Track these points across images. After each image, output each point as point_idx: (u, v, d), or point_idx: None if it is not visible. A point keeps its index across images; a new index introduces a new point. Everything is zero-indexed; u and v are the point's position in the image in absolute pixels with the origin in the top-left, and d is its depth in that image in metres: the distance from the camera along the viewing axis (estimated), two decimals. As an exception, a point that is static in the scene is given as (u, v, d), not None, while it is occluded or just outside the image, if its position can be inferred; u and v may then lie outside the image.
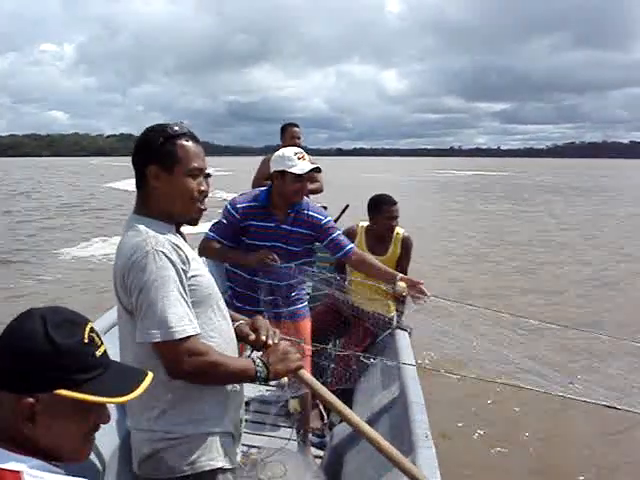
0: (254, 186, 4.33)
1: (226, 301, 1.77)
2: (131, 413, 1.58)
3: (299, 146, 3.72)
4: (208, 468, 1.51)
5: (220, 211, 2.94)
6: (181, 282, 1.45)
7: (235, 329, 1.71)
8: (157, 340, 1.40)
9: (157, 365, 1.40)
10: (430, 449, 1.81)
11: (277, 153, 2.83)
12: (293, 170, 2.70)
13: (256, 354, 1.61)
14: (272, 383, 3.73)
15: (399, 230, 3.60)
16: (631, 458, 4.18)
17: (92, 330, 0.93)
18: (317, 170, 2.85)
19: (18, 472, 0.81)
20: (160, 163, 1.50)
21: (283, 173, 2.73)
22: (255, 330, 1.71)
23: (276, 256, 2.73)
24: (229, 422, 1.59)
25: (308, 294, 3.13)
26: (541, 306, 8.16)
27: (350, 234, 3.57)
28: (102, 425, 0.95)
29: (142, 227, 1.48)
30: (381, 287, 3.04)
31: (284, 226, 2.79)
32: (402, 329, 3.15)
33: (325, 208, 3.51)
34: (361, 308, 3.21)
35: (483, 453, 4.19)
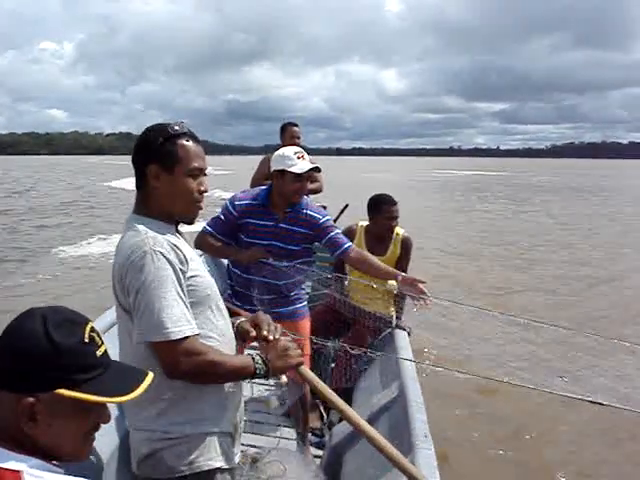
0: (253, 185, 4.34)
1: (226, 300, 1.77)
2: (130, 413, 1.58)
3: (299, 145, 3.72)
4: (207, 468, 1.51)
5: (218, 210, 2.95)
6: (179, 282, 1.45)
7: (237, 326, 1.72)
8: (154, 340, 1.40)
9: (155, 365, 1.40)
10: (429, 449, 1.82)
11: (277, 152, 2.84)
12: (293, 169, 2.70)
13: (255, 352, 1.60)
14: (271, 382, 3.75)
15: (399, 230, 3.60)
16: (635, 460, 4.18)
17: (92, 330, 0.93)
18: (317, 170, 2.85)
19: (18, 471, 0.81)
20: (160, 163, 1.50)
21: (283, 172, 2.73)
22: (256, 326, 1.70)
23: (268, 254, 2.75)
24: (228, 422, 1.59)
25: (307, 294, 3.14)
26: (539, 304, 8.18)
27: (349, 233, 3.57)
28: (102, 425, 0.95)
29: (141, 227, 1.48)
30: (372, 285, 3.05)
31: (283, 225, 2.80)
32: (401, 329, 3.16)
33: (324, 208, 3.51)
34: (361, 308, 3.22)
35: (482, 453, 4.19)
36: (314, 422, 3.27)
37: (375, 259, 2.96)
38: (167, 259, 1.43)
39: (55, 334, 0.87)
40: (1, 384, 0.86)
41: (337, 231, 2.89)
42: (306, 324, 2.97)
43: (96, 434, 0.96)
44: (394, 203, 3.56)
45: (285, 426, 3.29)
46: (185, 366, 1.41)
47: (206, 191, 1.58)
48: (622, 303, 8.37)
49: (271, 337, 1.63)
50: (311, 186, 4.26)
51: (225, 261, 3.81)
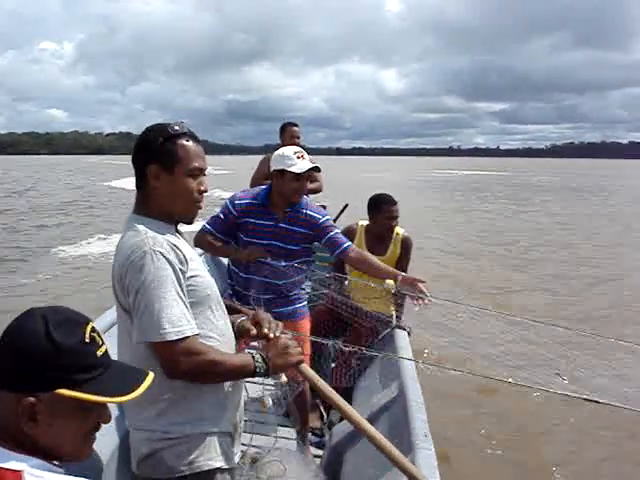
0: (253, 185, 4.34)
1: (225, 299, 1.77)
2: (130, 413, 1.58)
3: (299, 145, 3.72)
4: (206, 468, 1.51)
5: (217, 210, 2.95)
6: (179, 282, 1.44)
7: (237, 325, 1.72)
8: (154, 340, 1.40)
9: (155, 365, 1.40)
10: (429, 448, 1.81)
11: (277, 152, 2.84)
12: (292, 169, 2.70)
13: (255, 350, 1.59)
14: (271, 382, 3.74)
15: (399, 230, 3.60)
16: (635, 459, 4.18)
17: (93, 330, 0.93)
18: (316, 169, 2.85)
19: (19, 471, 0.81)
20: (160, 163, 1.50)
21: (282, 172, 2.73)
22: (256, 324, 1.69)
23: (267, 253, 2.76)
24: (228, 422, 1.59)
25: (307, 293, 3.14)
26: (539, 303, 8.18)
27: (349, 233, 3.57)
28: (102, 425, 0.95)
29: (141, 227, 1.48)
30: (370, 284, 3.05)
31: (282, 225, 2.80)
32: (401, 328, 3.15)
33: (324, 207, 3.51)
34: (360, 308, 3.22)
35: (482, 452, 4.19)
36: (314, 422, 3.27)
37: (375, 259, 2.96)
38: (167, 259, 1.43)
39: (56, 334, 0.87)
40: (1, 384, 0.86)
41: (337, 231, 2.89)
42: (306, 324, 2.97)
43: (96, 434, 0.96)
44: (394, 203, 3.56)
45: (285, 426, 3.28)
46: (185, 366, 1.41)
47: (206, 191, 1.58)
48: (622, 303, 8.38)
49: (271, 335, 1.63)
50: (311, 186, 4.26)
51: (225, 261, 3.81)
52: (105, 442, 1.97)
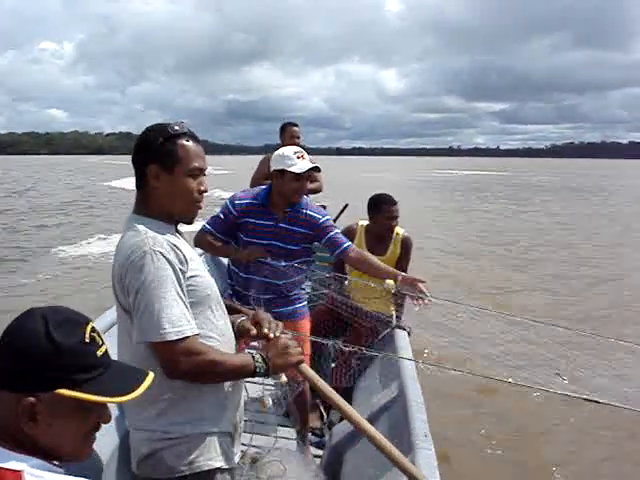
0: (253, 185, 4.34)
1: (225, 299, 1.77)
2: (130, 413, 1.58)
3: (299, 145, 3.72)
4: (206, 468, 1.51)
5: (217, 210, 2.96)
6: (179, 282, 1.44)
7: (237, 325, 1.72)
8: (154, 340, 1.40)
9: (155, 365, 1.40)
10: (429, 449, 1.81)
11: (277, 152, 2.84)
12: (292, 169, 2.70)
13: (255, 350, 1.59)
14: (271, 382, 3.74)
15: (399, 230, 3.60)
16: (635, 459, 4.18)
17: (93, 330, 0.93)
18: (316, 169, 2.85)
19: (19, 471, 0.81)
20: (160, 163, 1.50)
21: (282, 172, 2.73)
22: (256, 324, 1.69)
23: (267, 253, 2.77)
24: (228, 422, 1.59)
25: (307, 294, 3.14)
26: (539, 303, 8.19)
27: (349, 233, 3.57)
28: (102, 425, 0.95)
29: (141, 227, 1.48)
30: (370, 284, 3.05)
31: (282, 225, 2.80)
32: (401, 329, 3.15)
33: (324, 207, 3.51)
34: (361, 308, 3.22)
35: (483, 452, 4.19)
36: (314, 422, 3.27)
37: (375, 259, 2.96)
38: (167, 259, 1.43)
39: (56, 334, 0.87)
40: (1, 384, 0.86)
41: (337, 231, 2.89)
42: (306, 324, 2.97)
43: (96, 434, 0.96)
44: (394, 203, 3.56)
45: (285, 426, 3.28)
46: (185, 366, 1.41)
47: (206, 191, 1.58)
48: (622, 302, 8.38)
49: (271, 335, 1.63)
50: (311, 186, 4.26)
51: (225, 261, 3.81)
52: (105, 442, 1.97)
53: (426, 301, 2.70)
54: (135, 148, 1.55)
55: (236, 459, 1.66)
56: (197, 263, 1.55)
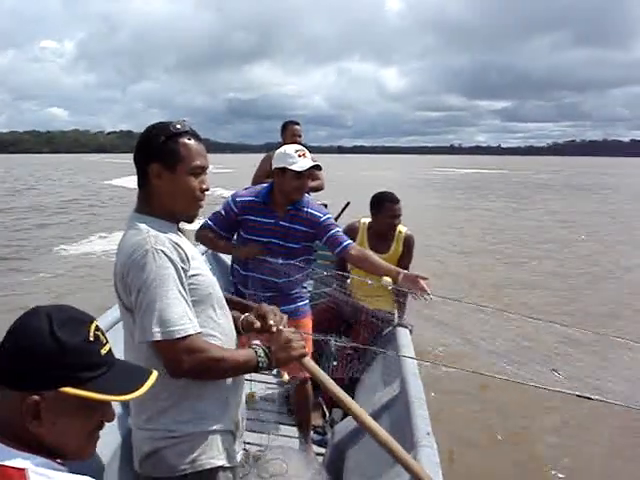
0: (254, 183, 4.34)
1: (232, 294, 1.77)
2: (132, 411, 1.58)
3: (300, 144, 3.72)
4: (209, 466, 1.51)
5: (218, 208, 2.97)
6: (181, 281, 1.44)
7: (242, 321, 1.71)
8: (156, 339, 1.40)
9: (158, 364, 1.40)
10: (432, 446, 1.81)
11: (279, 150, 2.85)
12: (293, 167, 2.71)
13: (257, 345, 1.58)
14: (274, 380, 3.74)
15: (401, 228, 3.60)
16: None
17: (97, 328, 0.93)
18: (317, 168, 2.85)
19: (23, 469, 0.81)
20: (162, 162, 1.49)
21: (284, 170, 2.74)
22: (261, 316, 1.69)
23: (265, 251, 2.78)
24: (230, 420, 1.59)
25: (309, 292, 3.14)
26: (540, 300, 8.23)
27: (352, 230, 3.58)
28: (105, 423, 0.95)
29: (143, 226, 1.48)
30: (367, 281, 3.05)
31: (283, 223, 2.80)
32: (403, 326, 3.16)
33: (325, 206, 3.51)
34: (363, 306, 3.22)
35: (485, 450, 4.19)
36: (316, 420, 3.27)
37: (376, 257, 2.95)
38: (169, 257, 1.43)
39: (60, 332, 0.87)
40: (6, 382, 0.87)
41: (337, 229, 2.89)
42: (308, 322, 2.97)
43: (99, 432, 0.96)
44: (397, 201, 3.55)
45: (287, 424, 3.29)
46: (188, 364, 1.41)
47: (208, 189, 1.57)
48: (622, 300, 8.40)
49: (273, 329, 1.62)
50: (312, 184, 4.26)
51: (228, 258, 3.81)
52: (107, 441, 1.97)
53: (426, 296, 2.70)
54: (137, 147, 1.55)
55: (238, 457, 1.66)
56: (199, 262, 1.55)
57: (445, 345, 4.62)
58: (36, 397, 0.84)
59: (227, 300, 1.71)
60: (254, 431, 3.02)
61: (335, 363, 3.29)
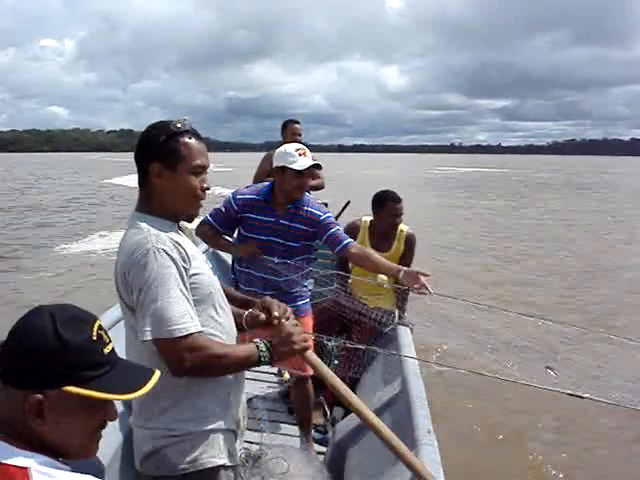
0: (255, 182, 4.35)
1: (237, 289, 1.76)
2: (133, 410, 1.58)
3: (300, 143, 3.72)
4: (210, 465, 1.51)
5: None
6: (182, 280, 1.44)
7: (245, 317, 1.71)
8: (158, 338, 1.40)
9: (160, 362, 1.40)
10: (433, 445, 1.82)
11: (279, 149, 2.85)
12: (293, 166, 2.71)
13: (259, 339, 1.57)
14: (275, 379, 3.73)
15: (403, 227, 3.60)
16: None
17: (100, 327, 0.93)
18: (318, 167, 2.86)
19: (26, 468, 0.81)
20: (163, 161, 1.49)
21: (283, 169, 2.75)
22: (265, 309, 1.68)
23: (259, 249, 2.80)
24: (231, 419, 1.59)
25: (310, 291, 3.14)
26: (540, 298, 8.25)
27: (353, 229, 3.58)
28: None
29: (144, 225, 1.48)
30: (365, 280, 3.04)
31: (283, 221, 2.81)
32: (404, 325, 3.16)
33: (326, 205, 3.51)
34: (363, 304, 3.22)
35: (487, 448, 4.20)
36: (317, 419, 3.27)
37: (376, 255, 2.95)
38: (170, 256, 1.43)
39: (64, 331, 0.87)
40: (9, 381, 0.87)
41: (337, 228, 2.89)
42: (309, 321, 2.97)
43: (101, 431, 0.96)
44: (399, 200, 3.55)
45: (288, 423, 3.29)
46: (189, 362, 1.41)
47: (208, 188, 1.57)
48: (620, 298, 8.42)
49: (275, 321, 1.62)
50: (312, 182, 4.27)
51: (229, 257, 3.82)
52: (108, 440, 1.97)
53: (427, 293, 2.70)
54: (137, 146, 1.55)
55: (239, 456, 1.66)
56: (199, 261, 1.55)
57: (445, 343, 4.61)
58: (39, 396, 0.84)
59: (228, 295, 1.71)
60: (255, 430, 3.02)
61: (336, 362, 3.29)
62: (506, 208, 22.15)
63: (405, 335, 3.01)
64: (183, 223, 1.64)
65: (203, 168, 1.54)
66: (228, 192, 3.15)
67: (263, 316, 1.66)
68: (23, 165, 71.34)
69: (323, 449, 2.95)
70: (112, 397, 0.89)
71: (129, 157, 1.59)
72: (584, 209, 21.73)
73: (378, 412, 2.43)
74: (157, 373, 0.99)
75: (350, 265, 3.49)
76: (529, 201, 25.42)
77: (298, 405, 3.02)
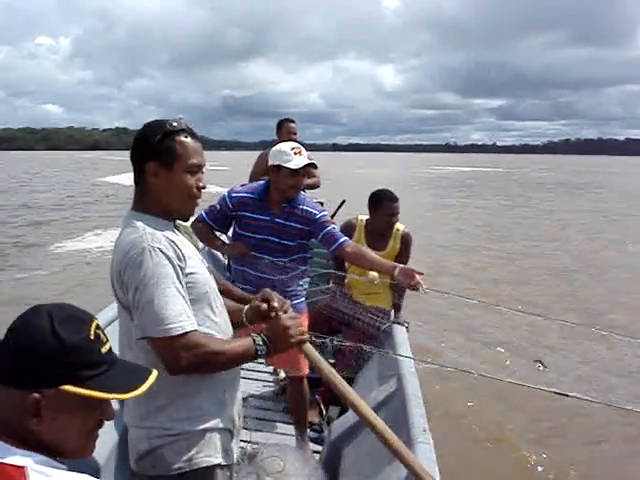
0: (251, 181, 4.35)
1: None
2: (129, 410, 1.57)
3: (295, 141, 3.72)
4: (205, 464, 1.51)
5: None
6: (178, 278, 1.44)
7: (245, 312, 1.71)
8: (154, 336, 1.40)
9: (156, 361, 1.40)
10: (428, 443, 1.82)
11: (275, 148, 2.85)
12: (288, 165, 2.72)
13: (255, 334, 1.56)
14: (270, 378, 3.73)
15: (399, 226, 3.60)
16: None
17: (98, 327, 0.93)
18: (313, 166, 2.86)
19: (23, 467, 0.81)
20: (159, 160, 1.49)
21: (279, 167, 2.75)
22: (265, 301, 1.68)
23: (247, 248, 2.81)
24: (227, 418, 1.59)
25: (306, 290, 3.14)
26: (537, 296, 8.27)
27: (349, 227, 3.58)
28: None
29: (139, 223, 1.48)
30: (361, 279, 3.04)
31: (278, 220, 2.81)
32: (399, 324, 3.17)
33: (321, 204, 3.51)
34: (359, 303, 3.22)
35: (481, 446, 4.21)
36: (313, 418, 3.27)
37: (372, 253, 2.95)
38: (166, 255, 1.43)
39: (61, 330, 0.86)
40: (6, 380, 0.86)
41: (333, 226, 2.88)
42: (304, 320, 2.97)
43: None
44: (395, 199, 3.55)
45: (284, 422, 3.29)
46: (186, 361, 1.41)
47: (204, 187, 1.57)
48: (616, 298, 8.45)
49: (273, 314, 1.62)
50: (308, 181, 4.26)
51: (225, 255, 3.82)
52: (104, 439, 1.96)
53: (421, 290, 2.70)
54: (133, 145, 1.54)
55: (235, 455, 1.66)
56: (195, 260, 1.55)
57: (440, 341, 4.62)
58: (37, 395, 0.84)
59: (227, 290, 1.70)
60: (250, 429, 3.02)
61: (332, 361, 3.30)
62: (501, 207, 22.23)
63: (401, 334, 3.02)
64: (182, 223, 1.64)
65: (199, 167, 1.54)
66: (222, 190, 3.16)
67: (265, 305, 1.66)
68: (17, 163, 71.03)
69: (319, 448, 2.95)
70: (109, 396, 0.89)
71: (124, 155, 1.59)
72: (578, 209, 21.83)
73: (374, 411, 2.43)
74: (154, 373, 0.99)
75: (346, 265, 3.49)
76: (524, 200, 25.51)
77: (294, 404, 3.02)
